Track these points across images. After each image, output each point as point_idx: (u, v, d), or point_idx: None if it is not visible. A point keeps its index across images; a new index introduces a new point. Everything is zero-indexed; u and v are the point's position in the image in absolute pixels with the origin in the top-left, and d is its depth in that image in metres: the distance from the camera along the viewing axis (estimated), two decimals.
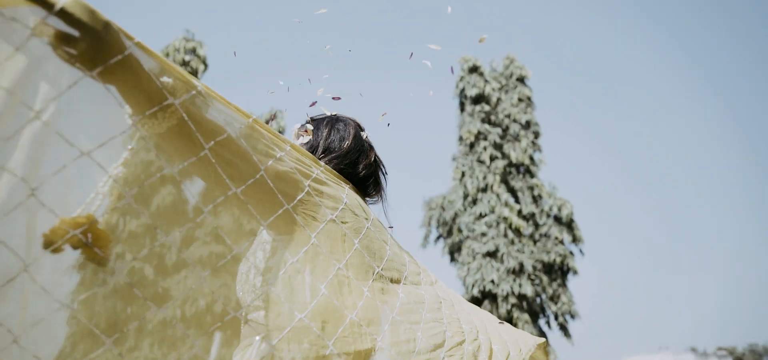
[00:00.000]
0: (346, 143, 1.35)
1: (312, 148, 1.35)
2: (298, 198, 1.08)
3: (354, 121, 1.39)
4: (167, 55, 11.27)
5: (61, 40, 0.84)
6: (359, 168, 1.34)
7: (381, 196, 1.41)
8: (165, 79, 0.94)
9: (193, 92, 0.97)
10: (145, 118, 0.93)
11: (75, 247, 0.94)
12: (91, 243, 0.94)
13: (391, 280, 1.22)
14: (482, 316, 1.36)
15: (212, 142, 0.99)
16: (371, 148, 1.39)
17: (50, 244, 0.91)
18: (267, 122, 12.15)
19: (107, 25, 0.86)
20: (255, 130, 1.08)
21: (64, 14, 0.81)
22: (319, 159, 1.30)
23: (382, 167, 1.42)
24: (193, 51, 11.37)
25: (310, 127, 1.39)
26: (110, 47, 0.87)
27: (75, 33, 0.84)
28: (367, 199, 1.36)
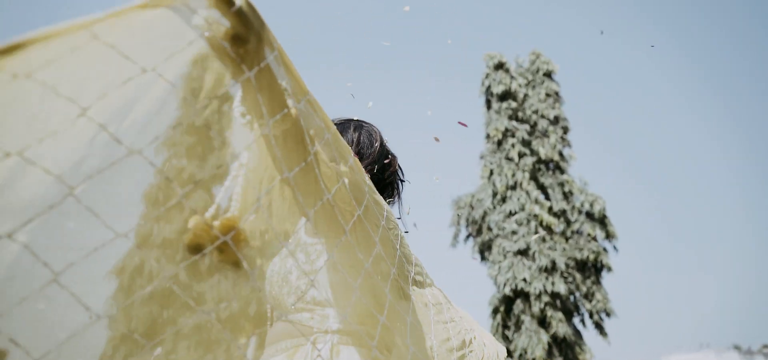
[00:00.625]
0: (376, 147, 1.37)
1: None
2: (364, 205, 1.07)
3: (376, 127, 1.42)
4: (196, 63, 11.45)
5: (233, 39, 0.83)
6: (386, 173, 1.38)
7: (397, 200, 1.43)
8: (286, 82, 0.94)
9: (307, 97, 0.97)
10: (273, 122, 0.92)
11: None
12: (233, 245, 0.93)
13: (417, 284, 1.25)
14: (467, 315, 1.40)
15: (316, 147, 0.98)
16: (394, 154, 1.42)
17: (198, 248, 0.89)
18: None
19: (264, 25, 0.87)
20: (336, 137, 1.07)
21: (240, 13, 0.81)
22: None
23: (402, 173, 1.45)
24: None
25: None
26: (265, 47, 0.87)
27: (245, 32, 0.84)
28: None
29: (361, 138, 1.37)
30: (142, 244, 0.98)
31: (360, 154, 1.37)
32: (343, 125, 1.39)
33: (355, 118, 1.42)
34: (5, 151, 0.71)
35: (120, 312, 1.16)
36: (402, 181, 1.45)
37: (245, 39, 0.84)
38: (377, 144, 1.38)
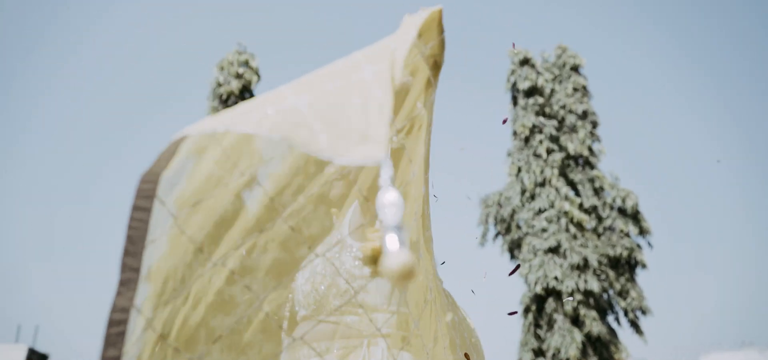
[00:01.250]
0: None
1: None
2: (418, 214, 1.08)
3: None
4: (222, 68, 11.61)
5: (436, 69, 0.97)
6: None
7: None
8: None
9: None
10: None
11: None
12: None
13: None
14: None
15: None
16: None
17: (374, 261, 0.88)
18: None
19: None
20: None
21: (442, 44, 0.95)
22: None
23: None
24: (246, 63, 11.67)
25: None
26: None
27: (442, 59, 0.97)
28: None
29: None
30: None
31: None
32: None
33: None
34: None
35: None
36: None
37: (440, 65, 0.96)
38: None
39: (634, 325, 13.81)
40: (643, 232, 14.00)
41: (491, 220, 15.40)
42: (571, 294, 12.52)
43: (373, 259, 0.77)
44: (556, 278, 12.86)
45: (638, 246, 13.93)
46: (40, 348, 19.13)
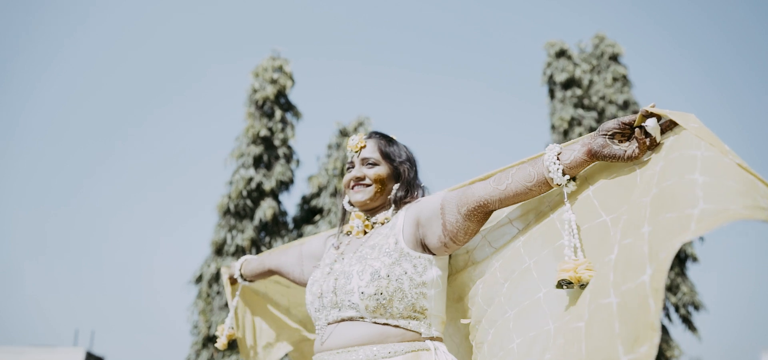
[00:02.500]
0: (412, 155, 1.76)
1: (408, 159, 1.71)
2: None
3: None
4: (257, 75, 11.92)
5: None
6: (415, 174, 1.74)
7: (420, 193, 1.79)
8: None
9: None
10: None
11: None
12: None
13: None
14: None
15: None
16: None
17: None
18: (355, 130, 12.42)
19: None
20: None
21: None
22: (410, 168, 1.70)
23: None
24: (280, 68, 11.94)
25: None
26: None
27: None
28: None
29: (403, 146, 1.74)
30: None
31: (412, 161, 1.72)
32: (386, 137, 1.73)
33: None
34: None
35: None
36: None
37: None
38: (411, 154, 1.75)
39: (686, 321, 13.28)
40: None
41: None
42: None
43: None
44: None
45: None
46: (97, 351, 19.97)
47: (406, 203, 1.64)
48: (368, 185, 1.64)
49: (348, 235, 1.68)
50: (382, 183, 1.65)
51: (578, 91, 13.53)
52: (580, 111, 13.42)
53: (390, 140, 1.72)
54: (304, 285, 1.80)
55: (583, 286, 1.19)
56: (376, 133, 1.74)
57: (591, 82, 13.89)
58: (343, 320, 1.46)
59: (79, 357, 19.00)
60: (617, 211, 1.23)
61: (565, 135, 13.51)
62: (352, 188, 1.67)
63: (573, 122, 13.36)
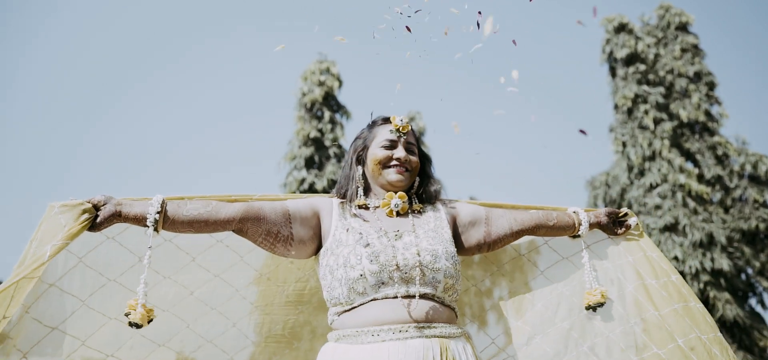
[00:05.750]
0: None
1: (429, 157, 1.80)
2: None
3: None
4: (305, 78, 12.29)
5: None
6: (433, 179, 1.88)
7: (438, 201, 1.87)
8: None
9: None
10: None
11: None
12: None
13: None
14: None
15: None
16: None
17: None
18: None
19: None
20: None
21: None
22: (431, 167, 1.80)
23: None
24: (327, 70, 12.25)
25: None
26: None
27: None
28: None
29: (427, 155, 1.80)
30: None
31: (430, 160, 1.79)
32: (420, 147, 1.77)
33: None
34: None
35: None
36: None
37: None
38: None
39: None
40: None
41: (600, 203, 14.41)
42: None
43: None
44: (676, 258, 11.67)
45: None
46: None
47: (437, 200, 1.75)
48: (408, 170, 1.67)
49: (370, 209, 1.65)
50: (414, 174, 1.70)
51: (642, 67, 12.73)
52: (645, 87, 12.63)
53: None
54: (284, 247, 1.60)
55: (602, 304, 1.74)
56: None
57: (657, 55, 13.03)
58: (419, 296, 1.47)
59: None
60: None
61: (629, 114, 12.76)
62: (393, 168, 1.66)
63: (637, 100, 12.60)
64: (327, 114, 12.09)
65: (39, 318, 1.50)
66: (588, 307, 1.75)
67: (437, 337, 1.44)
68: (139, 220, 1.44)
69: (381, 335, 1.41)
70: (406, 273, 1.46)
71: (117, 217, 1.43)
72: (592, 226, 1.83)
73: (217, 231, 1.56)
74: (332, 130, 12.05)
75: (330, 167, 11.66)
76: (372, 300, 1.46)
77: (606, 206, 14.22)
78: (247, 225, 1.55)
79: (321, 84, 12.13)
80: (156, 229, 1.45)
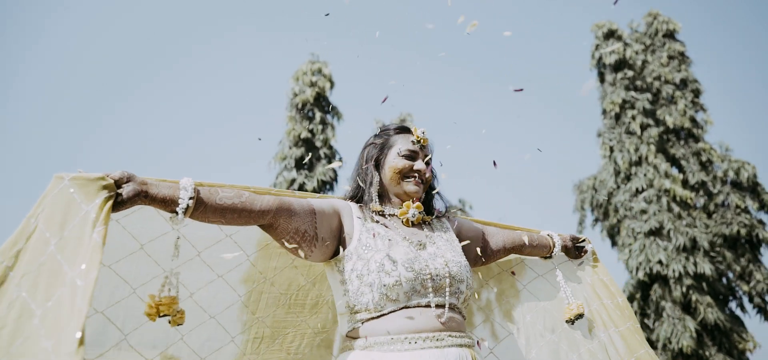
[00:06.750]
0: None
1: (435, 173, 1.78)
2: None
3: None
4: (297, 79, 12.26)
5: None
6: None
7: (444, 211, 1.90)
8: None
9: None
10: None
11: None
12: None
13: None
14: None
15: None
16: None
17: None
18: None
19: None
20: None
21: None
22: (437, 182, 1.80)
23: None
24: (319, 71, 12.23)
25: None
26: None
27: None
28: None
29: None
30: None
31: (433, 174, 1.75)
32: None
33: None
34: None
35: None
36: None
37: None
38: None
39: (763, 311, 12.36)
40: (764, 206, 12.51)
41: (587, 206, 14.59)
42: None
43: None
44: (660, 262, 11.88)
45: (760, 222, 12.47)
46: None
47: (444, 215, 1.78)
48: (422, 183, 1.68)
49: (387, 217, 1.65)
50: (426, 186, 1.71)
51: (629, 73, 12.91)
52: (633, 93, 12.80)
53: None
54: (309, 247, 1.53)
55: (581, 316, 1.88)
56: None
57: (644, 62, 13.22)
58: (447, 306, 1.49)
59: None
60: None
61: (617, 119, 12.93)
62: (411, 179, 1.66)
63: (625, 105, 12.77)
64: (318, 115, 12.07)
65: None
66: (568, 321, 1.90)
67: (466, 346, 1.48)
68: (168, 204, 1.29)
69: (419, 343, 1.41)
70: (437, 282, 1.48)
71: (143, 197, 1.26)
72: (561, 248, 2.03)
73: (248, 223, 1.46)
74: (323, 130, 12.04)
75: (320, 168, 11.66)
76: (404, 307, 1.45)
77: (592, 210, 14.41)
78: (279, 220, 1.48)
79: (312, 84, 12.10)
80: (190, 213, 1.32)
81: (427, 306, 1.46)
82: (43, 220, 1.12)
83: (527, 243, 1.95)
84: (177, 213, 1.29)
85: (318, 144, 11.89)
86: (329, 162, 11.74)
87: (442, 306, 1.48)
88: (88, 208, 1.13)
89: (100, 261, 1.08)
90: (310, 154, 11.70)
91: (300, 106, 11.95)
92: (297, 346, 1.85)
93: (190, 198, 1.31)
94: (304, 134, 11.75)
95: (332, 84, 12.32)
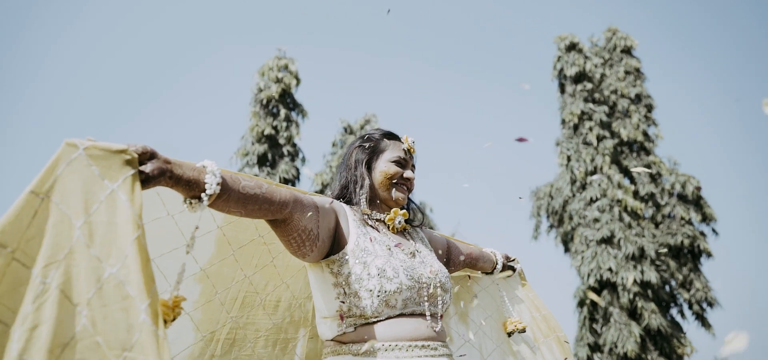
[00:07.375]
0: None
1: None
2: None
3: None
4: (263, 74, 12.01)
5: None
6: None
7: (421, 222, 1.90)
8: None
9: None
10: None
11: None
12: None
13: None
14: None
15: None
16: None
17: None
18: (361, 127, 12.49)
19: None
20: None
21: None
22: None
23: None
24: (285, 67, 12.01)
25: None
26: None
27: None
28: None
29: None
30: None
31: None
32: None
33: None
34: None
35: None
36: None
37: None
38: None
39: (701, 318, 13.06)
40: (706, 218, 13.20)
41: (543, 213, 15.00)
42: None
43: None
44: (610, 270, 12.37)
45: (702, 234, 13.15)
46: None
47: (420, 224, 1.77)
48: (409, 190, 1.68)
49: (380, 223, 1.63)
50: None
51: (589, 85, 13.32)
52: (591, 105, 13.22)
53: None
54: (310, 246, 1.46)
55: (522, 331, 2.00)
56: None
57: (603, 75, 13.67)
58: (438, 315, 1.51)
59: None
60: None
61: (575, 130, 13.33)
62: (400, 186, 1.65)
63: (583, 117, 13.17)
64: (283, 111, 11.87)
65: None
66: (509, 334, 2.03)
67: (448, 355, 1.49)
68: (192, 187, 1.15)
69: (415, 351, 1.40)
70: (430, 290, 1.49)
71: (167, 178, 1.11)
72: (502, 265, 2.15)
73: (265, 216, 1.36)
74: (287, 128, 11.85)
75: (283, 166, 11.48)
76: (399, 315, 1.44)
77: (548, 217, 14.83)
78: (295, 214, 1.40)
79: (278, 81, 11.88)
80: (212, 202, 1.20)
81: (421, 314, 1.46)
82: (59, 196, 0.92)
83: (478, 258, 2.04)
84: (201, 199, 1.16)
85: (281, 141, 11.70)
86: (292, 160, 11.59)
87: (434, 315, 1.49)
88: (114, 186, 0.95)
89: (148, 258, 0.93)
90: (272, 151, 11.52)
91: (265, 101, 11.72)
92: (252, 348, 1.73)
93: (217, 183, 1.18)
94: (268, 131, 11.54)
95: (298, 81, 12.13)
